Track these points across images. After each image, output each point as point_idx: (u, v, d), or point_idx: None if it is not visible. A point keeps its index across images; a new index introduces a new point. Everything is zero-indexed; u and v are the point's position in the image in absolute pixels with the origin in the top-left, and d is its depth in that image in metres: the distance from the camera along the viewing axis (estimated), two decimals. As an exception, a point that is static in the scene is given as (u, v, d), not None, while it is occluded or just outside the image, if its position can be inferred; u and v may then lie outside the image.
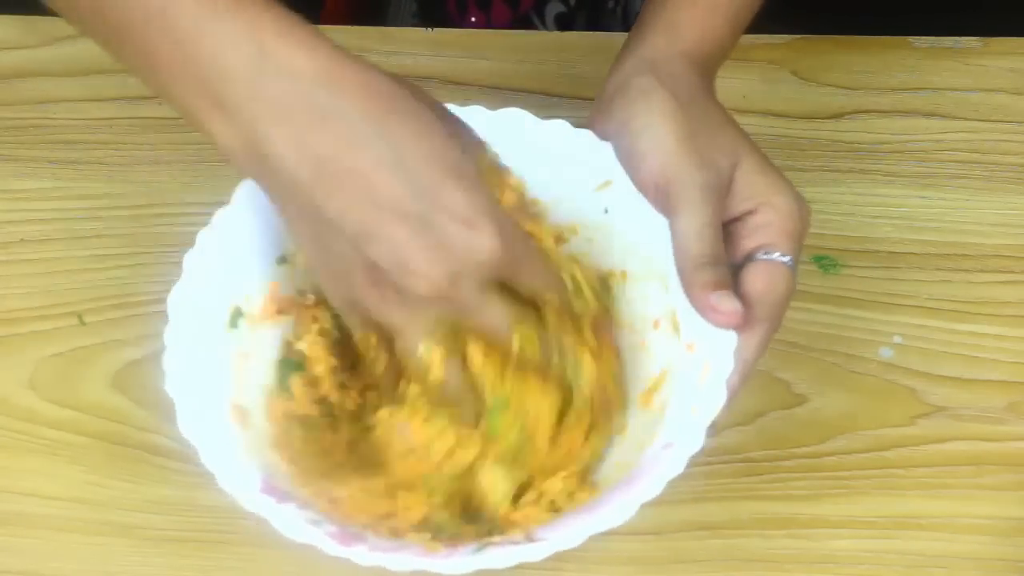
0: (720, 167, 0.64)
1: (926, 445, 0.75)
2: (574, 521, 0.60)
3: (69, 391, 0.77)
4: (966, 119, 0.87)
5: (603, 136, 0.68)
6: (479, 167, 0.62)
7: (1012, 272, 0.81)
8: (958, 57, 0.89)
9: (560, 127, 0.69)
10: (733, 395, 0.62)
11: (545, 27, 1.06)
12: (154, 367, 0.63)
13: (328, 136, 0.56)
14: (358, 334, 0.63)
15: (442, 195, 0.57)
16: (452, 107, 0.69)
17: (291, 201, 0.58)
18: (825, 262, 0.81)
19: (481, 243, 0.57)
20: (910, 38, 0.90)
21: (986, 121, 0.87)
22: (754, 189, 0.65)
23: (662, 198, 0.64)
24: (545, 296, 0.62)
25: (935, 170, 0.85)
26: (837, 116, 0.87)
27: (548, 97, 0.88)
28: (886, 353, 0.78)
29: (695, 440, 0.60)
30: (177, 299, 0.64)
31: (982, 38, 0.90)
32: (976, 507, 0.73)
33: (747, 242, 0.65)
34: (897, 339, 0.79)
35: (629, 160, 0.66)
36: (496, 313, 0.60)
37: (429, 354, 0.60)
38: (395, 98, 0.57)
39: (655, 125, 0.65)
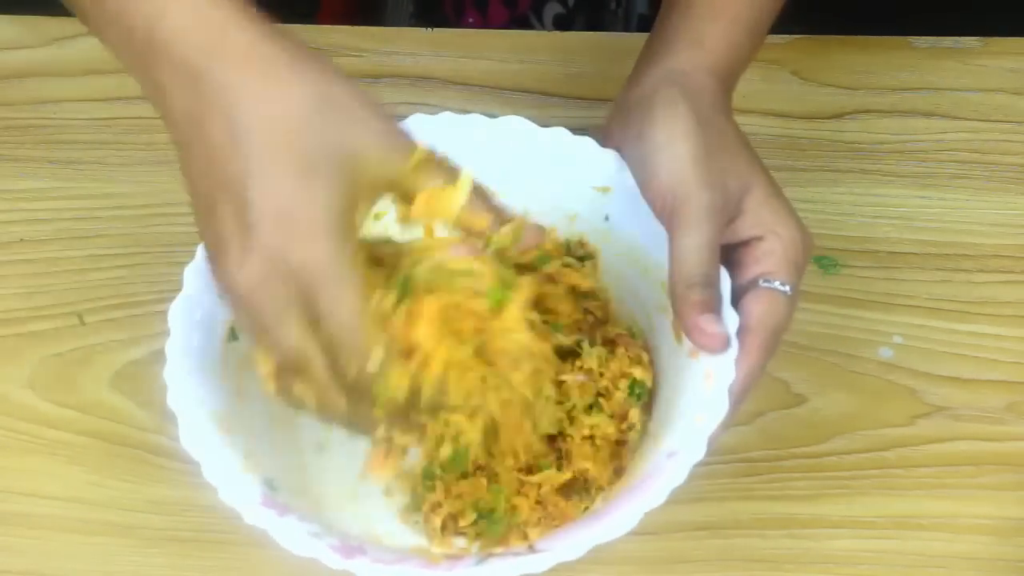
0: (729, 191, 0.64)
1: (926, 445, 0.75)
2: (576, 532, 0.60)
3: (69, 391, 0.77)
4: (966, 119, 0.87)
5: (619, 143, 0.68)
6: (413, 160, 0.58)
7: (1012, 272, 0.81)
8: (958, 57, 0.89)
9: (559, 134, 0.69)
10: (733, 410, 0.62)
11: (543, 28, 1.06)
12: (154, 367, 0.63)
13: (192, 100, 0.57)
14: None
15: (265, 188, 0.55)
16: (452, 115, 0.68)
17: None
18: (825, 262, 0.81)
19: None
20: (910, 38, 0.90)
21: (986, 121, 0.87)
22: (761, 216, 0.65)
23: (667, 214, 0.64)
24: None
25: (935, 170, 0.85)
26: (837, 116, 0.87)
27: (548, 97, 0.87)
28: (886, 353, 0.78)
29: (698, 449, 0.60)
30: (177, 312, 0.64)
31: (982, 38, 0.90)
32: (976, 507, 0.73)
33: (750, 269, 0.65)
34: (897, 339, 0.79)
35: (642, 171, 0.66)
36: (290, 338, 0.55)
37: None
38: (278, 67, 0.56)
39: (672, 141, 0.65)
